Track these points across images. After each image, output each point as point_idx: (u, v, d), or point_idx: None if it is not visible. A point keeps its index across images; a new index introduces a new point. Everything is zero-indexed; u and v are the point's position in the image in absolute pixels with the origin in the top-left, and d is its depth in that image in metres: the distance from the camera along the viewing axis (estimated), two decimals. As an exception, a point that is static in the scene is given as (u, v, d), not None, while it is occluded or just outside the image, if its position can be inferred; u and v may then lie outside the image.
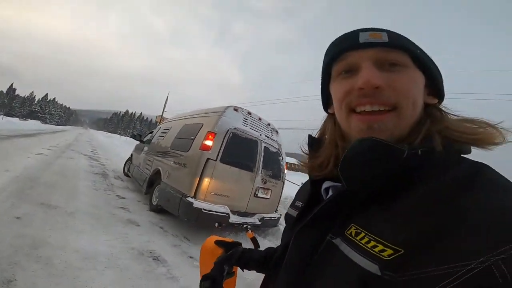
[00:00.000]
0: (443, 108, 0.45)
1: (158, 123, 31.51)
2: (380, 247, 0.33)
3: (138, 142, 8.33)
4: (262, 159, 4.35)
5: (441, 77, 0.47)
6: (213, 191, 3.82)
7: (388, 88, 0.40)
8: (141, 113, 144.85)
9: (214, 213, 3.65)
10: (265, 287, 0.60)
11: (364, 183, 0.39)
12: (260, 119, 4.65)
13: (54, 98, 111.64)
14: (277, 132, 5.00)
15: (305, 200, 0.53)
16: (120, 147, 21.36)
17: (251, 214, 4.18)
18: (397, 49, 0.42)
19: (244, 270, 0.70)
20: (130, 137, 9.41)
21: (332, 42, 0.47)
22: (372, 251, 0.34)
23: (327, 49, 0.48)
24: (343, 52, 0.45)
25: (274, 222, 4.47)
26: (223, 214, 3.73)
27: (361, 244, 0.35)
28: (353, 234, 0.37)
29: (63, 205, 3.65)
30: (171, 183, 4.20)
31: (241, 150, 4.11)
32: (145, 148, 6.70)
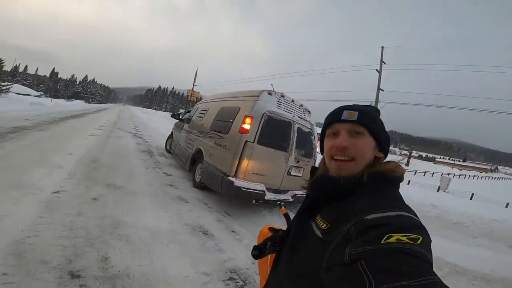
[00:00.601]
0: (382, 160, 0.75)
1: (189, 96, 32.54)
2: (323, 224, 0.66)
3: (175, 120, 8.89)
4: (295, 139, 4.54)
5: (388, 141, 0.76)
6: (251, 170, 4.15)
7: (351, 148, 0.70)
8: (173, 88, 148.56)
9: (252, 190, 4.02)
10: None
11: (320, 193, 0.73)
12: (293, 101, 4.77)
13: (94, 78, 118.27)
14: (309, 112, 5.10)
15: (303, 202, 0.86)
16: (158, 123, 22.67)
17: (284, 191, 4.49)
18: (360, 124, 0.72)
19: None
20: (171, 116, 10.00)
21: (329, 115, 0.79)
22: (320, 226, 0.66)
23: (326, 118, 0.79)
24: (332, 123, 0.76)
25: None
26: (260, 192, 4.08)
27: (318, 223, 0.67)
28: (317, 219, 0.69)
29: (125, 185, 4.26)
30: (213, 163, 4.62)
31: (276, 132, 4.34)
32: (185, 127, 7.17)
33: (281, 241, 0.88)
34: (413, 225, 0.53)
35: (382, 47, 15.59)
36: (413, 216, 0.57)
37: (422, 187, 11.21)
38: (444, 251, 3.36)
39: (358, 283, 0.44)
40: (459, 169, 78.52)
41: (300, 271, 0.67)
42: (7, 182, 3.30)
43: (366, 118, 0.72)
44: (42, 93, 57.46)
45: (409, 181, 13.67)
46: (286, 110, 4.56)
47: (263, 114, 4.20)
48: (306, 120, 4.90)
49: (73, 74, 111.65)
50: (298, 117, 4.72)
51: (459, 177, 34.17)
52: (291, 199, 4.42)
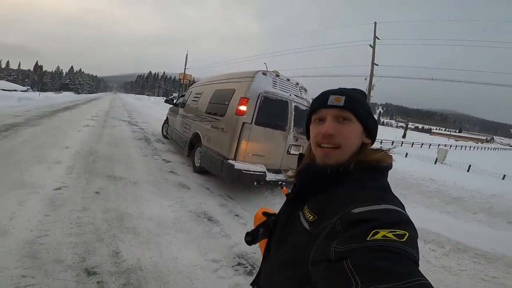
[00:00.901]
0: (370, 145, 0.73)
1: (182, 80, 31.95)
2: (310, 215, 0.64)
3: (169, 105, 8.77)
4: (293, 118, 4.49)
5: (376, 126, 0.74)
6: (250, 152, 4.14)
7: (337, 135, 0.67)
8: (163, 73, 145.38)
9: (253, 172, 4.02)
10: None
11: (307, 183, 0.71)
12: (288, 79, 4.69)
13: (80, 69, 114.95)
14: (305, 90, 5.03)
15: (291, 191, 0.84)
16: (152, 109, 22.34)
17: (285, 171, 4.51)
18: (347, 110, 0.68)
19: None
20: (165, 101, 9.84)
21: (314, 99, 0.75)
22: (307, 218, 0.64)
23: (312, 102, 0.76)
24: (318, 108, 0.72)
25: None
26: (261, 173, 4.09)
27: (305, 214, 0.65)
28: (304, 209, 0.67)
29: (126, 176, 4.25)
30: (212, 146, 4.59)
31: (273, 112, 4.29)
32: (180, 111, 7.07)
33: (274, 227, 0.85)
34: (400, 220, 0.52)
35: (375, 22, 15.24)
36: (400, 209, 0.55)
37: (420, 159, 11.29)
38: (446, 228, 3.41)
39: (344, 282, 0.43)
40: (455, 140, 79.55)
41: (288, 261, 0.66)
42: (9, 182, 3.27)
43: (353, 103, 0.69)
44: (28, 87, 55.97)
45: (406, 153, 13.86)
46: (282, 89, 4.48)
47: (259, 94, 4.12)
48: (303, 98, 4.84)
49: (58, 66, 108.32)
50: (295, 95, 4.65)
51: (455, 148, 34.67)
52: (292, 179, 4.44)
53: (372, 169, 0.66)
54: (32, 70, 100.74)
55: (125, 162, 5.07)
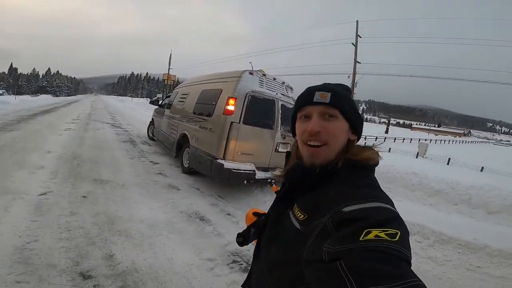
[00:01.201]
0: (356, 142, 0.73)
1: (166, 80, 31.40)
2: (300, 214, 0.64)
3: (154, 107, 8.64)
4: (280, 116, 4.57)
5: (361, 122, 0.73)
6: (239, 151, 4.18)
7: (324, 132, 0.66)
8: (146, 73, 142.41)
9: (242, 171, 4.06)
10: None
11: (295, 183, 0.70)
12: (274, 79, 4.76)
13: (58, 71, 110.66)
14: (291, 88, 5.13)
15: (280, 190, 0.82)
16: (136, 111, 21.88)
17: (273, 169, 4.56)
18: (333, 107, 0.67)
19: None
20: (150, 103, 9.65)
21: (299, 96, 0.74)
22: (298, 217, 0.64)
23: (297, 99, 0.75)
24: (303, 105, 0.71)
25: None
26: (250, 172, 4.14)
27: (296, 213, 0.66)
28: (294, 208, 0.67)
29: (113, 179, 4.17)
30: (200, 147, 4.59)
31: (260, 111, 4.34)
32: (166, 112, 7.00)
33: (263, 227, 0.83)
34: (391, 218, 0.52)
35: (357, 21, 15.59)
36: (391, 206, 0.55)
37: (402, 154, 11.69)
38: (429, 219, 3.56)
39: (339, 284, 0.43)
40: (435, 134, 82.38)
41: (279, 261, 0.66)
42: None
43: (339, 99, 0.68)
44: (3, 90, 53.45)
45: (389, 148, 14.31)
46: (269, 89, 4.55)
47: (246, 94, 4.17)
48: (289, 97, 4.93)
49: (34, 68, 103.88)
50: (281, 94, 4.73)
51: (435, 142, 35.86)
52: (281, 178, 4.51)
53: (361, 168, 0.65)
54: (6, 72, 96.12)
55: (111, 165, 4.97)
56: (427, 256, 3.00)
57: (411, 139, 33.85)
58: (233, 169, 3.98)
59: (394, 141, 28.73)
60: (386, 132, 44.82)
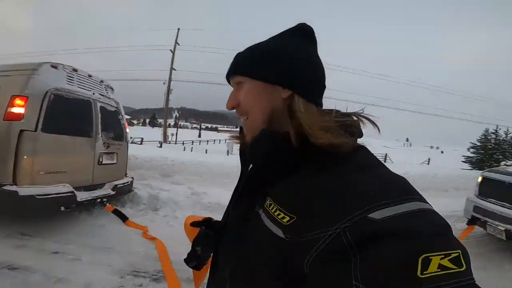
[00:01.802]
0: (295, 97, 0.50)
1: None
2: (282, 215, 0.42)
3: None
4: (99, 121, 3.80)
5: (290, 66, 0.51)
6: (41, 170, 3.06)
7: (240, 104, 0.55)
8: None
9: (53, 196, 3.01)
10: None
11: (267, 163, 0.49)
12: (90, 76, 3.89)
13: None
14: (112, 89, 4.40)
15: (239, 178, 0.64)
16: None
17: (100, 185, 3.75)
18: (234, 74, 0.56)
19: None
20: None
21: None
22: (277, 218, 0.42)
23: None
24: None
25: (128, 187, 4.23)
26: (66, 194, 3.13)
27: (271, 213, 0.44)
28: (268, 206, 0.45)
29: None
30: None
31: (71, 114, 3.42)
32: None
33: (219, 237, 0.61)
34: (444, 228, 0.34)
35: (178, 29, 15.89)
36: (430, 205, 0.37)
37: (217, 153, 13.39)
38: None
39: None
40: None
41: (249, 281, 0.47)
42: None
43: (236, 62, 0.56)
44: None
45: (206, 150, 15.93)
46: (82, 87, 3.66)
47: (47, 92, 3.11)
48: (110, 98, 4.21)
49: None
50: (100, 94, 3.95)
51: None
52: (113, 192, 3.78)
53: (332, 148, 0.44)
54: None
55: None
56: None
57: (220, 140, 39.24)
58: (37, 195, 2.86)
59: (207, 143, 32.23)
60: (199, 136, 49.16)
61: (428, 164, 17.36)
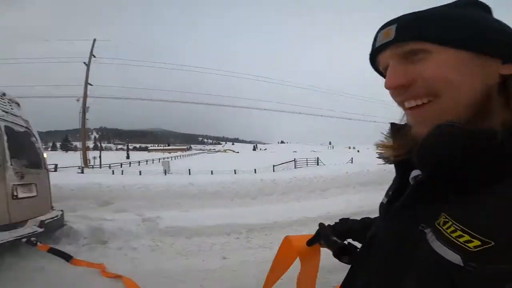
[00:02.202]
0: None
1: None
2: (466, 237, 0.32)
3: None
4: (6, 145, 2.95)
5: (500, 38, 0.37)
6: None
7: (416, 82, 0.39)
8: None
9: None
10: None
11: (439, 170, 0.37)
12: (-16, 88, 2.97)
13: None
14: (18, 104, 3.50)
15: (394, 188, 0.51)
16: None
17: (21, 223, 2.93)
18: (407, 42, 0.39)
19: None
20: None
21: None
22: (456, 241, 0.32)
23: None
24: (373, 56, 0.46)
25: (59, 222, 3.49)
26: None
27: (446, 234, 0.34)
28: (441, 223, 0.35)
29: None
30: None
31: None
32: None
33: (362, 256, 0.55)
34: None
35: (94, 39, 14.12)
36: None
37: (154, 174, 12.62)
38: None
39: None
40: (169, 153, 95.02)
41: None
42: None
43: (413, 23, 0.39)
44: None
45: (140, 171, 14.79)
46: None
47: None
48: (17, 116, 3.33)
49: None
50: (3, 111, 3.06)
51: (172, 159, 41.40)
52: (41, 229, 3.01)
53: None
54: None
55: None
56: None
57: (153, 160, 36.73)
58: None
59: (139, 164, 29.68)
60: (128, 157, 44.97)
61: (352, 163, 19.49)
